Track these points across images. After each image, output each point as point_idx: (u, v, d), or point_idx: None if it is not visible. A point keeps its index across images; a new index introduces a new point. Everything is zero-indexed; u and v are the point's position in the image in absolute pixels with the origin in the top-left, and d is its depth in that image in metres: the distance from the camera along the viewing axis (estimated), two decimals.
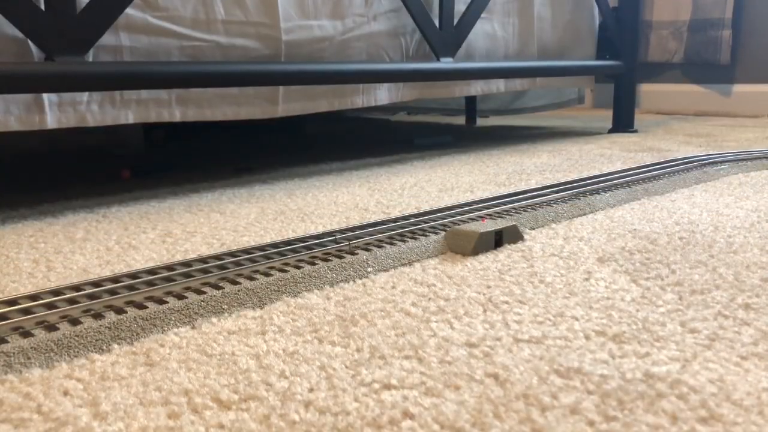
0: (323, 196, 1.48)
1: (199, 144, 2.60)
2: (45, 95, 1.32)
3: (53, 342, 0.68)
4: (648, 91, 3.79)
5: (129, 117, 1.46)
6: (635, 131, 2.83)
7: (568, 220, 1.21)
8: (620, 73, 2.82)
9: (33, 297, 0.77)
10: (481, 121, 3.43)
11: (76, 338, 0.69)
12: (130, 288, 0.80)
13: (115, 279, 0.83)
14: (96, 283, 0.82)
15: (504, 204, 1.26)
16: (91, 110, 1.40)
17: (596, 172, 1.64)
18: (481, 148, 2.31)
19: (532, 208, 1.23)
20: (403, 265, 0.96)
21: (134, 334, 0.71)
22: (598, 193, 1.37)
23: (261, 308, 0.79)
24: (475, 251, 1.00)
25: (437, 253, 1.01)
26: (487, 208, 1.22)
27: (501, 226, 1.04)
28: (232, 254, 0.93)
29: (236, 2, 1.57)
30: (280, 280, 0.85)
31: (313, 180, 1.71)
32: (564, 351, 0.67)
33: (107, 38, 1.36)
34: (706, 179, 1.60)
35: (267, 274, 0.86)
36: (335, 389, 0.59)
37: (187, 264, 0.89)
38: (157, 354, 0.67)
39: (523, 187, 1.51)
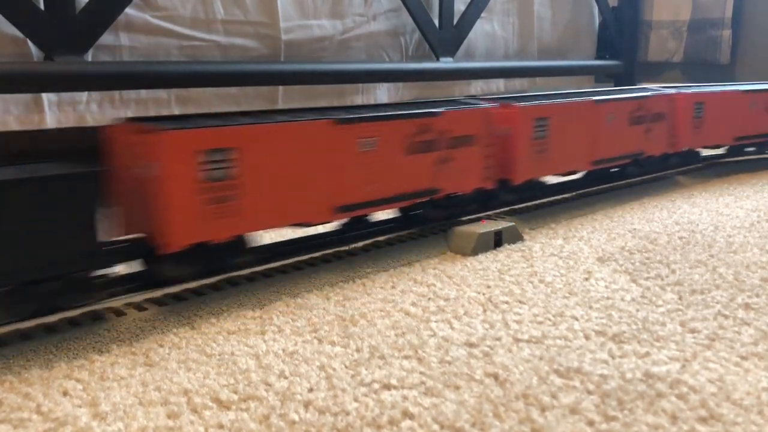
0: None
1: None
2: (44, 95, 1.32)
3: (52, 343, 0.68)
4: None
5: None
6: None
7: (567, 220, 1.21)
8: (620, 73, 2.82)
9: None
10: None
11: (76, 339, 0.69)
12: (130, 288, 0.80)
13: (115, 279, 0.83)
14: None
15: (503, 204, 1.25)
16: (91, 110, 1.40)
17: None
18: None
19: (532, 208, 1.23)
20: (403, 265, 0.95)
21: (133, 335, 0.71)
22: (598, 193, 1.37)
23: (260, 308, 0.79)
24: (475, 251, 1.00)
25: (437, 253, 1.01)
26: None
27: (500, 227, 1.04)
28: None
29: (235, 2, 1.57)
30: (280, 281, 0.85)
31: None
32: (564, 351, 0.67)
33: (106, 38, 1.36)
34: (706, 179, 1.60)
35: (266, 275, 0.86)
36: (335, 389, 0.59)
37: None
38: (157, 354, 0.67)
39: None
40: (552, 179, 1.30)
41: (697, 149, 1.62)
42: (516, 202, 1.22)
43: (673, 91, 1.47)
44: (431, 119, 0.99)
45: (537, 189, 1.26)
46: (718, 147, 1.68)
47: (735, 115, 1.62)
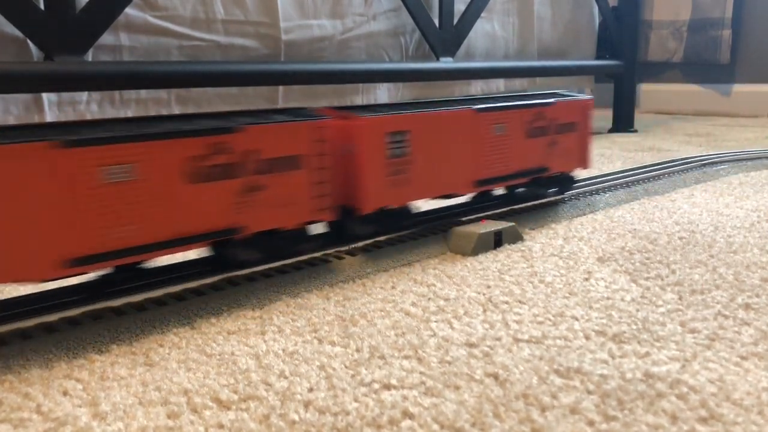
0: None
1: None
2: (44, 95, 1.32)
3: (52, 343, 0.68)
4: (648, 90, 3.79)
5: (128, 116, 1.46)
6: (635, 131, 2.82)
7: (568, 220, 1.21)
8: (620, 73, 2.82)
9: (33, 298, 0.77)
10: None
11: (76, 339, 0.69)
12: (130, 288, 0.80)
13: (114, 279, 0.83)
14: (95, 284, 0.82)
15: (503, 204, 1.26)
16: (91, 110, 1.40)
17: (596, 172, 1.63)
18: None
19: (532, 208, 1.23)
20: (403, 265, 0.95)
21: (133, 335, 0.71)
22: (598, 193, 1.37)
23: (260, 308, 0.79)
24: (475, 251, 1.00)
25: (437, 253, 1.01)
26: (487, 208, 1.22)
27: (500, 227, 1.04)
28: None
29: (236, 2, 1.57)
30: (280, 281, 0.85)
31: None
32: (564, 351, 0.67)
33: (106, 38, 1.36)
34: (706, 179, 1.60)
35: (267, 275, 0.86)
36: (335, 389, 0.59)
37: (186, 264, 0.89)
38: (157, 354, 0.67)
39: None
40: None
41: (403, 206, 1.02)
42: None
43: (325, 118, 0.88)
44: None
45: None
46: (449, 197, 1.10)
47: (471, 147, 1.06)
